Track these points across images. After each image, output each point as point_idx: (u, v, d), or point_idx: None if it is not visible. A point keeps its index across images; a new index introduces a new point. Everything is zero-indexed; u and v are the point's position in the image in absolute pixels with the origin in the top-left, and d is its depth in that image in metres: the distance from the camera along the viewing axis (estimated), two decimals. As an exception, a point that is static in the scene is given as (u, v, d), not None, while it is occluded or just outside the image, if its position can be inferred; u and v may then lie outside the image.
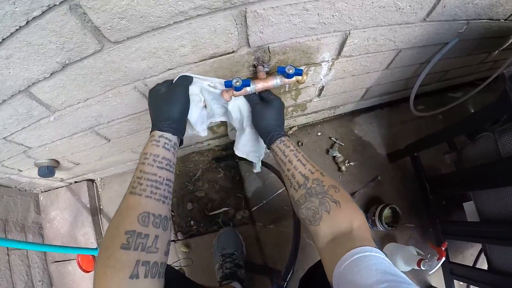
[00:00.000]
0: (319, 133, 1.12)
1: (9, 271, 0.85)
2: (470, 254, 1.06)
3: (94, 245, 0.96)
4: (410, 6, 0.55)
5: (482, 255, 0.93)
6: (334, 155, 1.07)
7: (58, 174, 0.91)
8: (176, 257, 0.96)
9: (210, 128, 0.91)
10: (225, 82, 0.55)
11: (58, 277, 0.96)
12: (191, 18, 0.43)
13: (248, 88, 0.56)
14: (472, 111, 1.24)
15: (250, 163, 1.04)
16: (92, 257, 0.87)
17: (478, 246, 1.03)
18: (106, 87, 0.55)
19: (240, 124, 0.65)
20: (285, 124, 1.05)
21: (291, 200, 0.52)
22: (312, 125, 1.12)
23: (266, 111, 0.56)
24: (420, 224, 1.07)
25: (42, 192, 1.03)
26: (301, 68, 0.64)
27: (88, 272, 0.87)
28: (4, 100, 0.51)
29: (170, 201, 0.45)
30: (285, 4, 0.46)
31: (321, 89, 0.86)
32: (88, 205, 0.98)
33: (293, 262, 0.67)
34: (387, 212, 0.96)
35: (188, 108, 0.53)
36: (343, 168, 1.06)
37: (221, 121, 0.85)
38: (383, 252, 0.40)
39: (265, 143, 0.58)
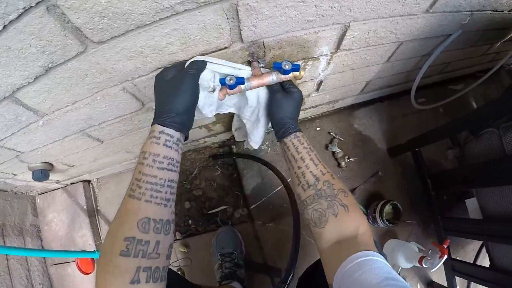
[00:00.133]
0: (318, 128, 1.09)
1: (8, 275, 0.85)
2: (472, 249, 1.06)
3: (93, 247, 0.95)
4: (413, -4, 0.53)
5: (483, 250, 0.93)
6: (334, 150, 1.05)
7: (53, 176, 0.90)
8: (175, 257, 0.96)
9: (205, 126, 0.89)
10: (220, 79, 0.53)
11: (58, 279, 0.96)
12: (178, 14, 0.41)
13: (242, 86, 0.54)
14: (474, 103, 1.22)
15: (248, 160, 1.02)
16: (91, 259, 0.87)
17: (479, 241, 1.02)
18: (93, 89, 0.53)
19: (254, 114, 0.63)
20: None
21: (296, 199, 0.51)
22: (311, 120, 1.10)
23: (285, 102, 0.54)
24: (422, 220, 1.06)
25: (38, 194, 1.02)
26: (298, 63, 0.62)
27: (87, 274, 0.87)
28: (-10, 107, 0.49)
29: (173, 202, 0.42)
30: (280, -4, 0.43)
31: (320, 84, 0.83)
32: (85, 207, 0.97)
33: (293, 265, 0.66)
34: (388, 208, 0.95)
35: (197, 100, 0.48)
36: (343, 163, 1.04)
37: (220, 118, 0.84)
38: (384, 256, 0.40)
39: (276, 134, 0.56)
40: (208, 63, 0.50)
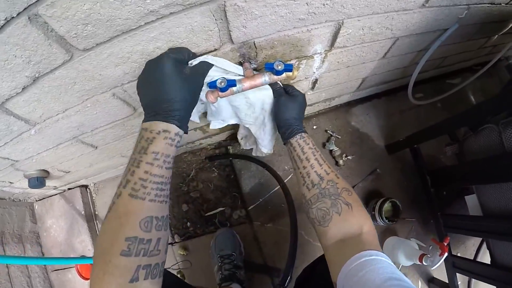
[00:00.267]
0: (314, 127, 1.08)
1: (9, 283, 0.85)
2: (472, 244, 1.06)
3: (92, 253, 0.95)
4: (408, -9, 0.52)
5: (484, 246, 0.92)
6: (331, 149, 1.04)
7: (50, 183, 0.90)
8: (174, 260, 0.96)
9: (200, 128, 0.88)
10: (208, 83, 0.52)
11: (59, 285, 0.97)
12: (164, 17, 0.40)
13: (234, 88, 0.53)
14: (472, 97, 1.21)
15: (244, 161, 1.02)
16: (91, 265, 0.87)
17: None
18: (83, 97, 0.52)
19: (258, 120, 0.64)
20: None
21: (302, 199, 0.51)
22: (307, 118, 1.09)
23: (290, 104, 0.56)
24: (421, 217, 1.05)
25: (36, 201, 1.02)
26: (290, 63, 0.61)
27: (87, 279, 0.87)
28: (-19, 118, 0.49)
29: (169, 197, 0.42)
30: (269, -6, 0.42)
31: (315, 82, 0.82)
32: (83, 212, 0.97)
33: (291, 267, 0.66)
34: (387, 206, 0.94)
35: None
36: (341, 162, 1.03)
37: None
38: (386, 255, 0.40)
39: (283, 136, 0.57)
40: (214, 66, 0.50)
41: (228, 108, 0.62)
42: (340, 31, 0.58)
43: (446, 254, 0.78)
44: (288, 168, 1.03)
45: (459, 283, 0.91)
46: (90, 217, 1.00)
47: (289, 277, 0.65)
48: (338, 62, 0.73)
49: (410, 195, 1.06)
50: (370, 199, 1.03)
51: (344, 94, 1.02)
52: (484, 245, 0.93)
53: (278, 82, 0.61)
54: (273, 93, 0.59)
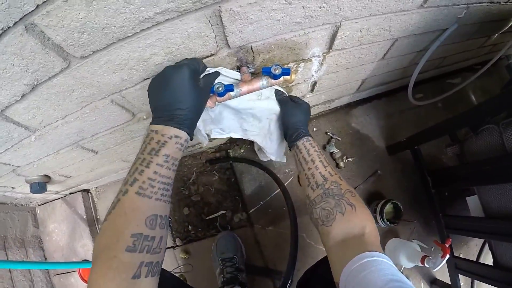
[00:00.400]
0: (314, 129, 1.08)
1: (12, 287, 0.86)
2: (475, 245, 1.05)
3: (94, 256, 0.96)
4: (406, -8, 0.52)
5: (486, 247, 0.91)
6: (332, 150, 1.04)
7: (51, 187, 0.91)
8: (176, 264, 0.96)
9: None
10: None
11: (61, 289, 0.97)
12: (159, 24, 0.40)
13: (232, 93, 0.54)
14: (472, 96, 1.20)
15: (245, 164, 1.02)
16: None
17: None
18: (82, 103, 0.53)
19: (264, 129, 0.65)
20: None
21: (306, 200, 0.52)
22: (307, 120, 1.09)
23: (297, 109, 0.60)
24: (423, 218, 1.04)
25: (38, 205, 1.02)
26: (288, 67, 0.61)
27: (89, 283, 0.87)
28: (-18, 126, 0.50)
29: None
30: (264, -1, 0.42)
31: (314, 85, 0.82)
32: (85, 216, 0.98)
33: (292, 270, 0.66)
34: (388, 207, 0.94)
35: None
36: (341, 164, 1.03)
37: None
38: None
39: (289, 139, 0.59)
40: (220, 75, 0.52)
41: (230, 118, 0.62)
42: (338, 34, 0.58)
43: (448, 256, 0.77)
44: (288, 171, 1.03)
45: (461, 284, 0.90)
46: (92, 222, 1.00)
47: (290, 280, 0.65)
48: (336, 64, 0.73)
49: (411, 196, 1.05)
50: (371, 201, 1.02)
51: (344, 96, 1.02)
52: (487, 246, 0.92)
53: (283, 90, 0.62)
54: (279, 101, 0.61)
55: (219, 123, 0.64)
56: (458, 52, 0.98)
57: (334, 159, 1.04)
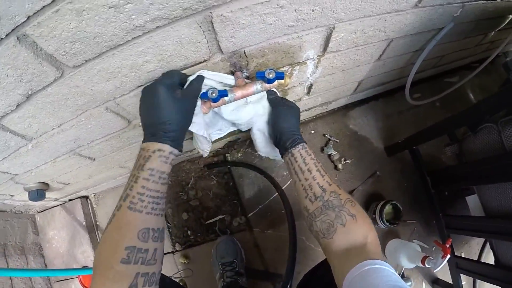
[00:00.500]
0: (312, 131, 1.08)
1: (12, 295, 0.86)
2: (476, 244, 1.04)
3: (94, 263, 0.95)
4: (400, -8, 0.51)
5: (488, 246, 0.90)
6: (330, 152, 1.03)
7: (50, 195, 0.91)
8: (176, 269, 0.96)
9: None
10: (200, 94, 0.52)
11: (61, 296, 0.97)
12: (151, 31, 0.40)
13: (226, 98, 0.53)
14: (471, 95, 1.19)
15: (243, 168, 1.02)
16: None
17: (483, 237, 0.99)
18: (77, 111, 0.53)
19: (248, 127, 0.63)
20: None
21: (304, 211, 0.50)
22: (304, 123, 1.09)
23: (289, 113, 0.56)
24: (423, 218, 1.04)
25: (38, 212, 1.02)
26: (282, 71, 0.61)
27: (89, 290, 0.87)
28: (-21, 135, 0.50)
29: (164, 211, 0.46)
30: (255, 4, 0.42)
31: (310, 87, 0.82)
32: (84, 223, 0.98)
33: (291, 273, 0.66)
34: (388, 208, 0.93)
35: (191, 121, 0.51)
36: (340, 166, 1.02)
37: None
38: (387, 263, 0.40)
39: (283, 146, 0.55)
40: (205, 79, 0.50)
41: (221, 120, 0.62)
42: (332, 36, 0.58)
43: (448, 256, 0.76)
44: (286, 174, 1.02)
45: (464, 283, 0.89)
46: (91, 228, 1.00)
47: (289, 284, 0.64)
48: (332, 66, 0.73)
49: (411, 197, 1.04)
50: (370, 202, 1.02)
51: (341, 98, 1.02)
52: (488, 245, 0.91)
53: (275, 90, 0.61)
54: (270, 101, 0.58)
55: (215, 125, 0.64)
56: (455, 51, 0.97)
57: (332, 161, 1.04)
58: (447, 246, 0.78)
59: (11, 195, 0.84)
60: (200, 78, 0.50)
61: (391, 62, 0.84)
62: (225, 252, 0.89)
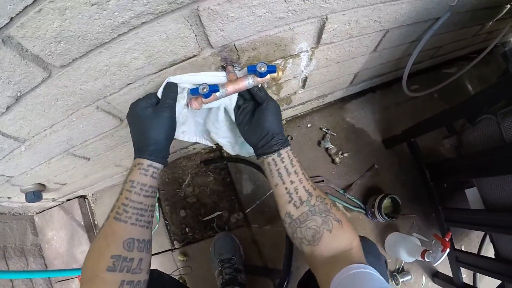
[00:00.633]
0: (309, 125, 1.07)
1: (13, 295, 0.87)
2: (476, 236, 1.03)
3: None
4: (394, -20, 0.50)
5: (488, 239, 0.90)
6: (327, 146, 1.03)
7: (47, 195, 0.91)
8: (175, 266, 0.96)
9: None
10: (190, 90, 0.51)
11: (63, 295, 0.98)
12: (137, 27, 0.39)
13: (217, 94, 0.52)
14: (469, 86, 1.18)
15: (239, 164, 1.01)
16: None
17: (483, 229, 0.99)
18: (68, 111, 0.53)
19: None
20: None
21: (286, 218, 0.47)
22: (301, 116, 1.08)
23: (272, 112, 0.50)
24: (422, 211, 1.03)
25: (36, 213, 1.03)
26: (274, 64, 0.60)
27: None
28: (-30, 139, 0.50)
29: (152, 225, 0.47)
30: (243, -5, 0.41)
31: (305, 80, 0.81)
32: (82, 222, 0.98)
33: (287, 272, 0.66)
34: (386, 202, 0.93)
35: (175, 131, 0.51)
36: (337, 159, 1.02)
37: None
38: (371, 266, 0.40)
39: (267, 146, 0.49)
40: (178, 85, 0.50)
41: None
42: (325, 27, 0.57)
43: (448, 250, 0.76)
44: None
45: (464, 276, 0.89)
46: (89, 227, 1.01)
47: (286, 281, 0.64)
48: (326, 58, 0.72)
49: (410, 190, 1.04)
50: (369, 196, 1.01)
51: (337, 90, 1.01)
52: (488, 238, 0.90)
53: (263, 86, 0.59)
54: (255, 95, 0.53)
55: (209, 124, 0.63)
56: (453, 41, 0.96)
57: (330, 155, 1.03)
58: (447, 240, 0.78)
59: (8, 197, 0.84)
60: (170, 87, 0.49)
61: (387, 54, 0.83)
62: (223, 249, 0.90)
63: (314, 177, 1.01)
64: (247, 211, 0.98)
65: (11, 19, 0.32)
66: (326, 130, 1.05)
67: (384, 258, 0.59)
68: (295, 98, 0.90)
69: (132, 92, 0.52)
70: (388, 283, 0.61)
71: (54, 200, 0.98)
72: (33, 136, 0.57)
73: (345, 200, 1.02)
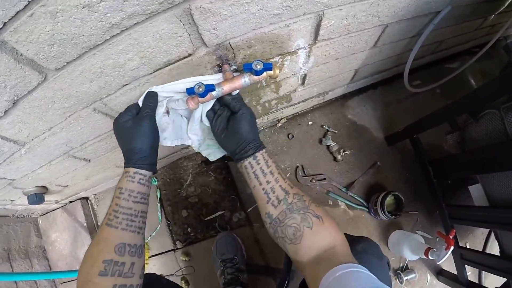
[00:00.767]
0: (310, 123, 1.06)
1: (18, 297, 0.88)
2: (481, 233, 1.02)
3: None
4: (391, -27, 0.49)
5: (493, 236, 0.88)
6: (328, 144, 1.02)
7: (50, 197, 0.92)
8: (177, 266, 0.96)
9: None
10: (186, 89, 0.51)
11: (67, 296, 0.99)
12: (129, 28, 0.39)
13: (213, 93, 0.52)
14: (472, 80, 1.16)
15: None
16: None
17: (488, 227, 0.97)
18: (65, 114, 0.53)
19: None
20: (272, 117, 1.00)
21: (266, 219, 0.48)
22: (302, 114, 1.07)
23: (251, 118, 0.52)
24: (426, 208, 1.02)
25: (40, 216, 1.04)
26: (270, 61, 0.59)
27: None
28: (-30, 143, 0.51)
29: (144, 230, 0.48)
30: (235, -8, 0.41)
31: (304, 78, 0.80)
32: (85, 224, 0.99)
33: (287, 272, 0.65)
34: (389, 199, 0.92)
35: (158, 138, 0.53)
36: (339, 157, 1.01)
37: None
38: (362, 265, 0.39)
39: (244, 151, 0.51)
40: (158, 94, 0.51)
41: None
42: (322, 23, 0.56)
43: (452, 248, 0.75)
44: (285, 167, 1.01)
45: (469, 273, 0.88)
46: (92, 229, 1.02)
47: (286, 281, 0.64)
48: (325, 55, 0.71)
49: (413, 187, 1.02)
50: (371, 193, 1.00)
51: (338, 87, 1.00)
52: (493, 235, 0.89)
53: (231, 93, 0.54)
54: (231, 106, 0.53)
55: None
56: (454, 36, 0.94)
57: (331, 153, 1.02)
58: (451, 237, 0.77)
59: (11, 200, 0.85)
60: (150, 96, 0.50)
61: (387, 49, 0.81)
62: (226, 249, 0.90)
63: (316, 175, 1.01)
64: (249, 210, 0.98)
65: (4, 24, 0.32)
66: (327, 128, 1.04)
67: (386, 259, 0.58)
68: (295, 96, 0.89)
69: (128, 93, 0.52)
70: (391, 284, 0.60)
71: (57, 202, 0.99)
72: (32, 139, 0.57)
73: (347, 198, 1.01)
